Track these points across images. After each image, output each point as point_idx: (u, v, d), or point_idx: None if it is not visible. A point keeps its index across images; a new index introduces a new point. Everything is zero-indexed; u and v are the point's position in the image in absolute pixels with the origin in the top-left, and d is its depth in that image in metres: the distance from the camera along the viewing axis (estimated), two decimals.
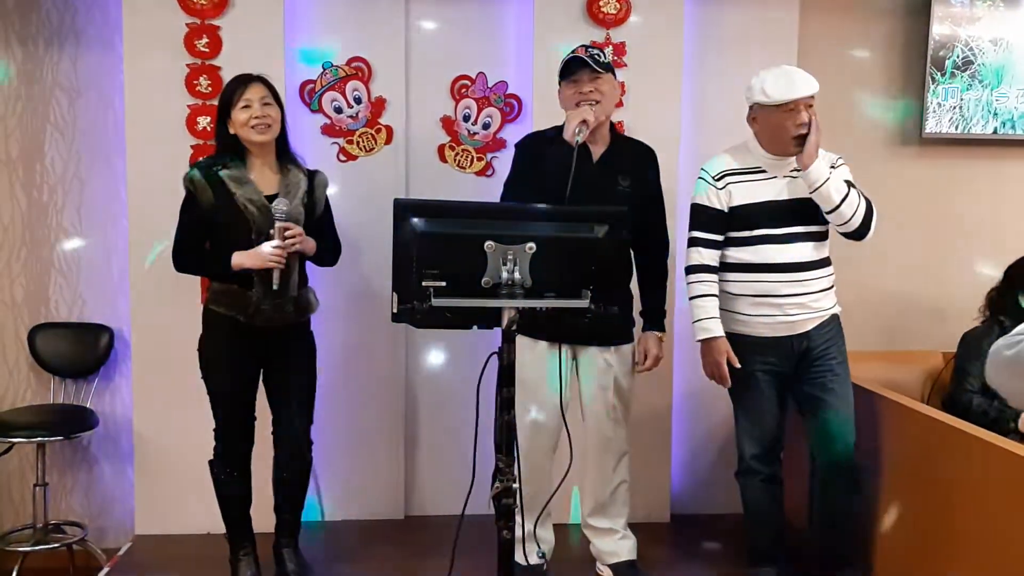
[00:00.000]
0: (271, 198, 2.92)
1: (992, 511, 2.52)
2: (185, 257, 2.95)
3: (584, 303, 2.18)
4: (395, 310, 2.20)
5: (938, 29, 3.82)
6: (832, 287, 3.04)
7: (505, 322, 2.16)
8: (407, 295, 2.16)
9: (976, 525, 2.57)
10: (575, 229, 2.23)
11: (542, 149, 2.93)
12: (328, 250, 3.09)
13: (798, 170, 2.94)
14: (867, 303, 3.84)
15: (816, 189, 2.88)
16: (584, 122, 2.80)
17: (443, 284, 2.11)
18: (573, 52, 2.92)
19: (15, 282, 3.64)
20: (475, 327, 2.38)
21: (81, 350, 3.60)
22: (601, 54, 2.93)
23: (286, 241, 2.85)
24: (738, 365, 2.96)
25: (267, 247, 2.83)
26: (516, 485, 2.20)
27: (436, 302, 2.10)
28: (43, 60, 3.58)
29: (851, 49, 3.93)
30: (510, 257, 2.12)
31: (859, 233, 2.97)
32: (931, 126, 3.86)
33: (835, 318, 3.06)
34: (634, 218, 2.72)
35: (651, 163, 3.10)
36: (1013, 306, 3.27)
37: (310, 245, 2.95)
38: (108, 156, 3.60)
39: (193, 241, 2.95)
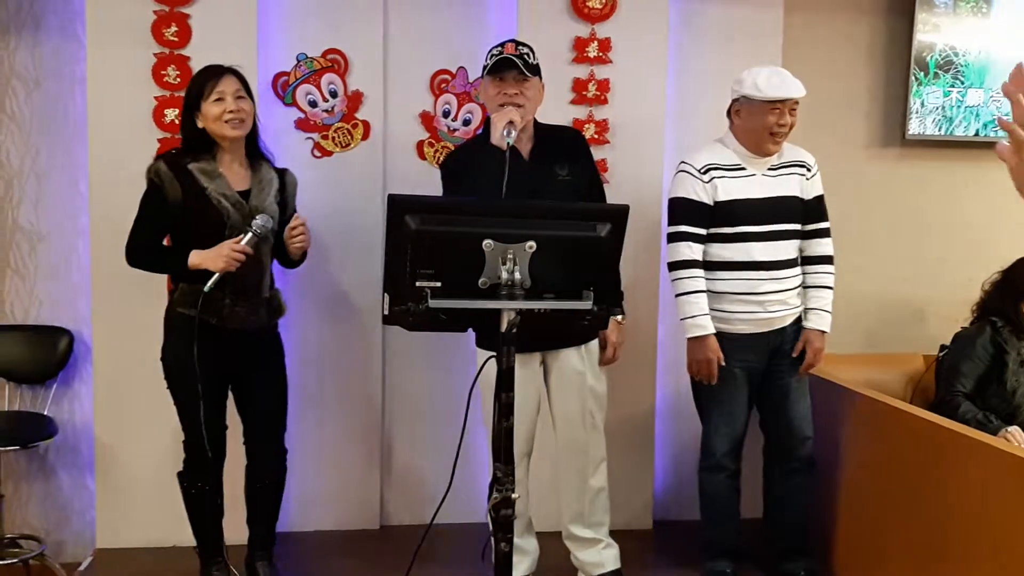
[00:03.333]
0: (244, 194, 2.80)
1: (977, 510, 2.54)
2: (141, 253, 2.80)
3: (587, 305, 2.10)
4: (386, 312, 2.09)
5: (922, 30, 3.80)
6: (802, 284, 3.13)
7: (504, 324, 2.05)
8: (400, 296, 2.05)
9: (965, 526, 2.58)
10: (577, 227, 2.13)
11: (471, 159, 2.82)
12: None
13: (776, 167, 3.04)
14: (848, 306, 3.81)
15: None
16: (511, 123, 2.69)
17: (438, 285, 2.00)
18: (502, 48, 2.79)
19: None
20: (470, 329, 2.29)
21: (38, 354, 3.41)
22: (531, 54, 2.82)
23: (296, 239, 2.80)
24: (724, 363, 3.00)
25: (227, 247, 2.69)
26: (516, 495, 2.10)
27: (432, 303, 2.00)
28: None
29: (835, 48, 3.89)
30: (509, 256, 2.01)
31: None
32: (914, 127, 3.84)
33: (803, 315, 3.14)
34: (581, 200, 2.77)
35: (581, 145, 3.02)
36: (1007, 308, 3.26)
37: (308, 243, 2.89)
38: (68, 149, 3.42)
39: (151, 236, 2.80)
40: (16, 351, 3.41)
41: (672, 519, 3.77)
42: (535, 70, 2.81)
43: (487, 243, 2.00)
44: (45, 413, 3.42)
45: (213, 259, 2.69)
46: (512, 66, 2.74)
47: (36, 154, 3.44)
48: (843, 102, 3.91)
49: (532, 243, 2.02)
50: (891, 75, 3.92)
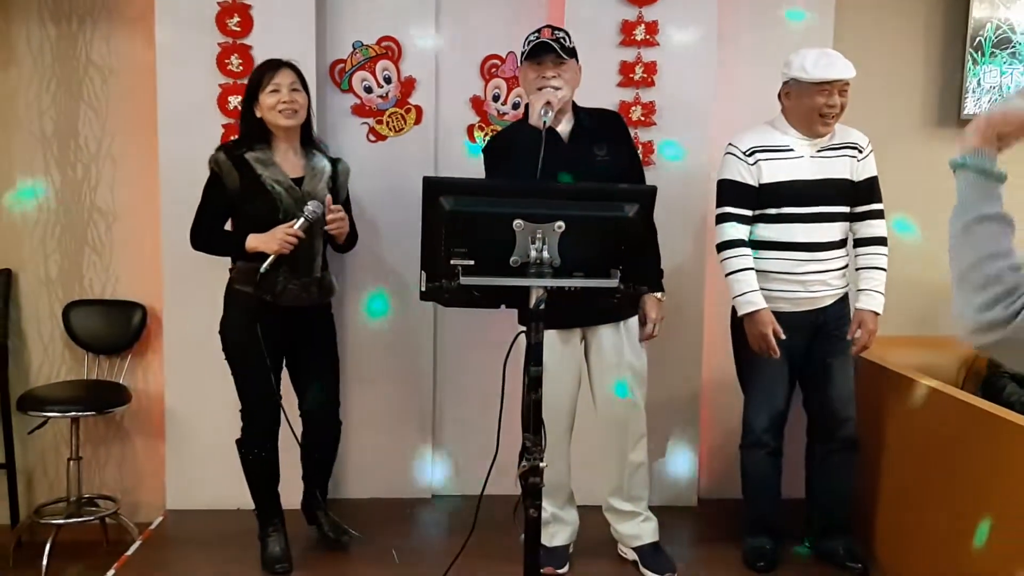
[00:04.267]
0: (297, 181, 2.95)
1: (1018, 496, 2.51)
2: (203, 237, 3.01)
3: (613, 283, 2.18)
4: (423, 288, 2.21)
5: (978, 8, 3.74)
6: (848, 266, 3.13)
7: (533, 301, 2.15)
8: (435, 274, 2.16)
9: (1006, 511, 2.56)
10: (605, 208, 2.20)
11: (512, 142, 2.89)
12: (348, 236, 3.11)
13: (825, 149, 3.04)
14: (900, 288, 3.77)
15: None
16: (548, 103, 2.75)
17: (471, 263, 2.10)
18: (539, 34, 2.86)
19: (49, 259, 3.69)
20: (503, 306, 2.39)
21: (114, 327, 3.65)
22: (567, 38, 2.88)
23: (332, 225, 2.92)
24: (783, 336, 3.01)
25: (280, 231, 2.86)
26: (543, 464, 2.20)
27: (464, 281, 2.10)
28: (76, 38, 3.61)
29: (889, 27, 3.84)
30: (539, 236, 2.10)
31: None
32: (969, 107, 3.79)
33: (847, 296, 3.16)
34: (620, 181, 2.79)
35: (620, 125, 3.08)
36: None
37: (346, 228, 3.00)
38: (140, 134, 3.62)
39: (212, 221, 3.00)
40: (95, 324, 3.65)
41: (717, 497, 3.81)
42: (572, 52, 2.87)
43: (517, 223, 2.09)
44: (120, 382, 3.65)
45: (267, 242, 2.86)
46: (549, 50, 2.81)
47: (112, 139, 3.66)
48: (898, 81, 3.87)
49: (561, 223, 2.11)
50: (947, 54, 3.86)
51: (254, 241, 2.89)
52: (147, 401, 3.74)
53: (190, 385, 3.56)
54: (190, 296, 3.50)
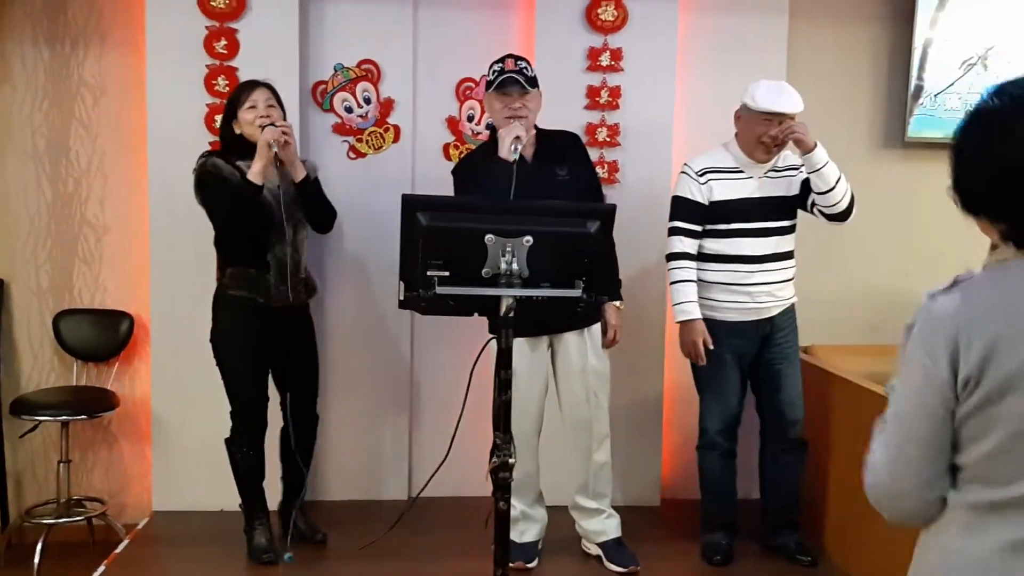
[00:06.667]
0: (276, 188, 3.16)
1: None
2: (233, 215, 3.10)
3: (577, 293, 2.37)
4: (401, 297, 2.40)
5: (921, 35, 3.99)
6: (793, 278, 3.34)
7: (503, 309, 2.34)
8: (413, 284, 2.35)
9: None
10: (570, 224, 2.41)
11: (480, 168, 3.10)
12: (322, 206, 3.27)
13: (772, 171, 3.25)
14: (850, 299, 4.02)
15: (818, 170, 3.14)
16: (518, 138, 2.97)
17: (446, 274, 2.29)
18: (502, 64, 3.08)
19: (41, 270, 3.84)
20: (475, 314, 2.58)
21: (103, 335, 3.79)
22: (528, 67, 3.10)
23: (276, 128, 3.06)
24: (712, 346, 3.23)
25: (261, 138, 3.04)
26: (512, 460, 2.38)
27: (440, 290, 2.29)
28: (69, 59, 3.77)
29: (839, 55, 4.10)
30: (509, 249, 2.29)
31: (845, 214, 3.25)
32: (913, 130, 4.04)
33: (793, 307, 3.37)
34: (580, 198, 3.03)
35: (580, 148, 3.31)
36: None
37: (293, 147, 3.16)
38: (130, 151, 3.78)
39: (230, 202, 3.10)
40: (84, 332, 3.79)
41: (679, 498, 3.99)
42: (534, 82, 3.10)
43: (489, 237, 2.29)
44: (108, 388, 3.79)
45: (260, 157, 3.04)
46: (515, 82, 3.04)
47: (102, 155, 3.82)
48: (847, 106, 4.12)
49: (529, 238, 2.31)
50: (892, 80, 4.12)
51: (254, 173, 3.04)
52: (134, 406, 3.88)
53: (176, 391, 3.71)
54: (176, 305, 3.66)
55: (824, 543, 3.48)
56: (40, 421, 3.58)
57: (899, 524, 1.44)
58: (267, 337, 3.20)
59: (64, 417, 3.56)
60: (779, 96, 3.16)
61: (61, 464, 3.65)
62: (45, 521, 3.62)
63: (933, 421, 1.35)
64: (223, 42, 3.61)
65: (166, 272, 3.67)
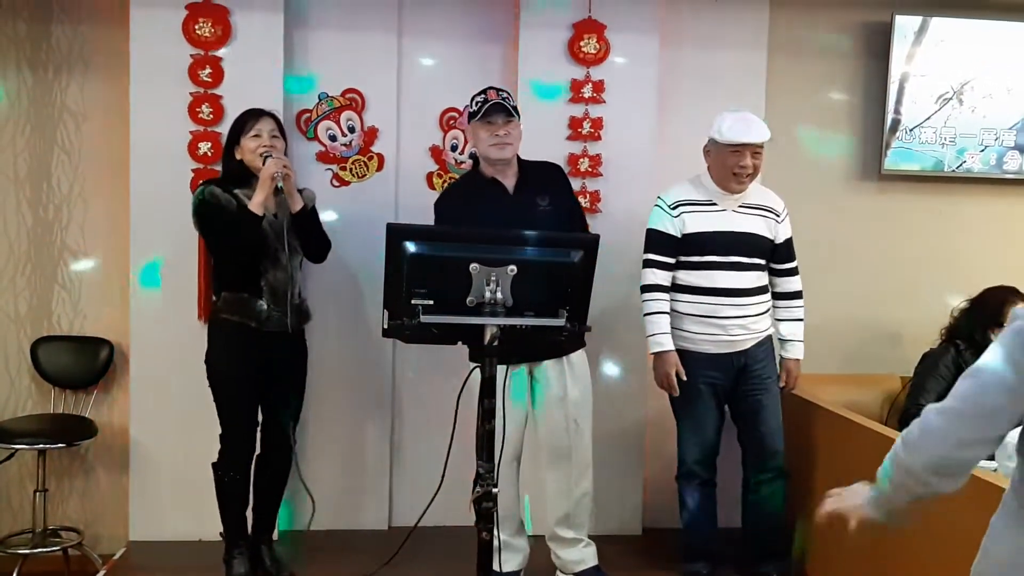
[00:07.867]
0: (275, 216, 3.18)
1: (934, 518, 2.72)
2: (235, 242, 3.11)
3: (560, 322, 2.39)
4: (385, 326, 2.40)
5: (898, 69, 4.07)
6: (768, 311, 3.37)
7: (488, 338, 2.35)
8: (397, 312, 2.35)
9: (924, 532, 2.78)
10: (554, 254, 2.43)
11: (463, 200, 3.15)
12: (318, 237, 3.30)
13: (745, 206, 3.30)
14: (829, 328, 4.05)
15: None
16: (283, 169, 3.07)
17: (431, 302, 2.30)
18: (485, 95, 3.12)
19: (19, 296, 3.81)
20: (459, 342, 2.59)
21: (82, 362, 3.76)
22: (510, 98, 3.16)
23: (279, 161, 3.08)
24: (684, 378, 3.26)
25: (264, 170, 3.06)
26: (496, 490, 2.38)
27: (424, 319, 2.29)
28: (52, 85, 3.77)
29: (816, 88, 4.18)
30: (493, 278, 2.31)
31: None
32: (889, 162, 4.11)
33: (769, 339, 3.40)
34: (562, 228, 3.07)
35: (561, 176, 3.34)
36: (976, 333, 3.48)
37: (293, 179, 3.17)
38: (111, 178, 3.77)
39: (229, 231, 3.11)
40: (63, 359, 3.76)
41: (661, 527, 3.99)
42: (516, 112, 3.14)
43: (473, 266, 2.31)
44: (87, 416, 3.75)
45: (262, 189, 3.06)
46: (501, 109, 3.07)
47: (84, 182, 3.81)
48: (825, 139, 4.19)
49: (513, 267, 2.33)
50: (868, 114, 4.19)
51: (255, 203, 3.06)
52: (112, 435, 3.83)
53: (155, 419, 3.67)
54: (156, 333, 3.64)
55: (806, 572, 3.49)
56: (16, 449, 3.54)
57: (919, 469, 1.55)
58: (259, 362, 3.19)
59: (41, 445, 3.52)
60: (746, 128, 3.21)
61: (37, 493, 3.60)
62: (20, 551, 3.57)
63: (993, 407, 1.50)
64: (208, 70, 3.62)
65: (146, 300, 3.65)
